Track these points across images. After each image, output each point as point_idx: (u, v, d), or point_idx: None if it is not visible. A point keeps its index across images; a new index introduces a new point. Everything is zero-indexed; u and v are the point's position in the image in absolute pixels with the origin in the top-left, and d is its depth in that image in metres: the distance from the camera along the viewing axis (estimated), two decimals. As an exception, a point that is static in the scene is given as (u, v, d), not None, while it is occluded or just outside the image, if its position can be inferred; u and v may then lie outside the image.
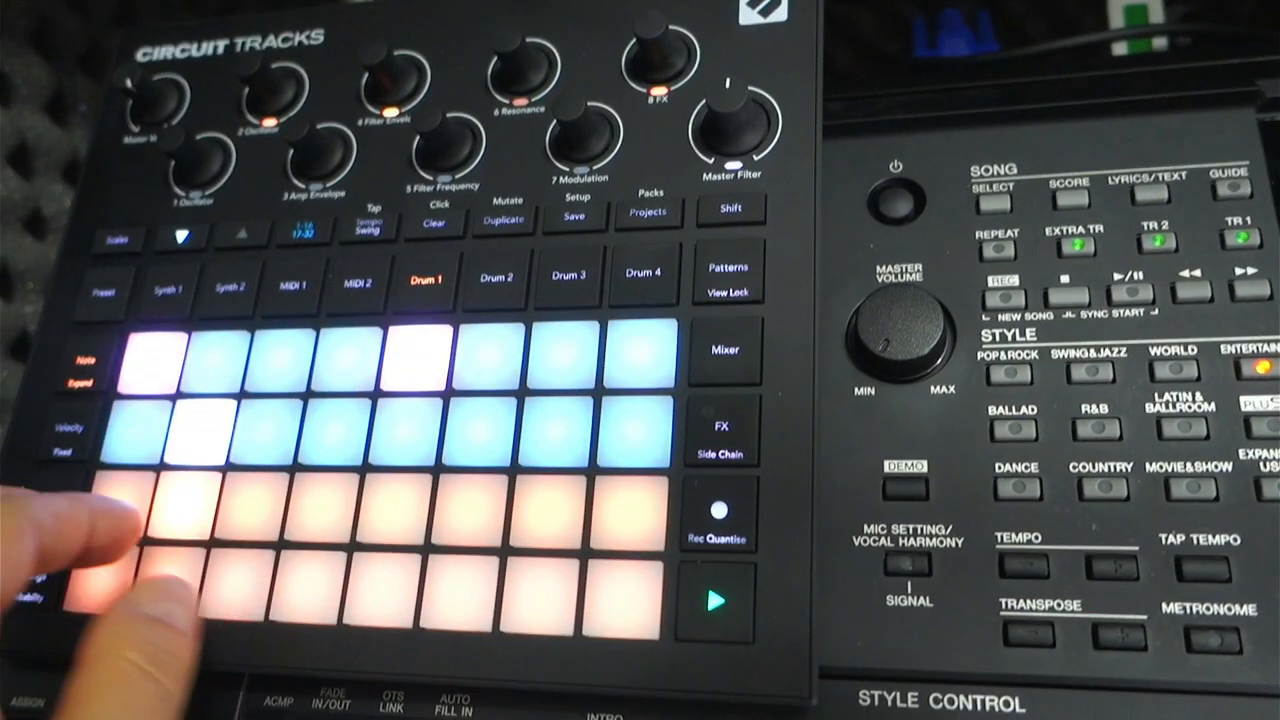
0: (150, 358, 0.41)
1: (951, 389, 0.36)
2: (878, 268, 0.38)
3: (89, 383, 0.41)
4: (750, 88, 0.39)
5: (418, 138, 0.41)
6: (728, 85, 0.38)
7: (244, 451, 0.38)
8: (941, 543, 0.34)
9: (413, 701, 0.35)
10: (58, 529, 0.32)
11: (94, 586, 0.38)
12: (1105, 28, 0.50)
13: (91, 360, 0.41)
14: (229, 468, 0.38)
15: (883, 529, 0.35)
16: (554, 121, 0.40)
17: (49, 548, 0.32)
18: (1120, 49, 0.50)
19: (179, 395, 0.40)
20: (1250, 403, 0.34)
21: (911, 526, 0.34)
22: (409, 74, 0.43)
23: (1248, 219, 0.36)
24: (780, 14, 0.40)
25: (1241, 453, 0.33)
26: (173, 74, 0.46)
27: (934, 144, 0.40)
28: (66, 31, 0.55)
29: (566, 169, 0.40)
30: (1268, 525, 0.32)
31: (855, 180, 0.40)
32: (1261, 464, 0.33)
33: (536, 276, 0.38)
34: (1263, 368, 0.34)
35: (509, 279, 0.38)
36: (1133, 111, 0.39)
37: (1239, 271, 0.35)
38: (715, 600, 0.33)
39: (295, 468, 0.38)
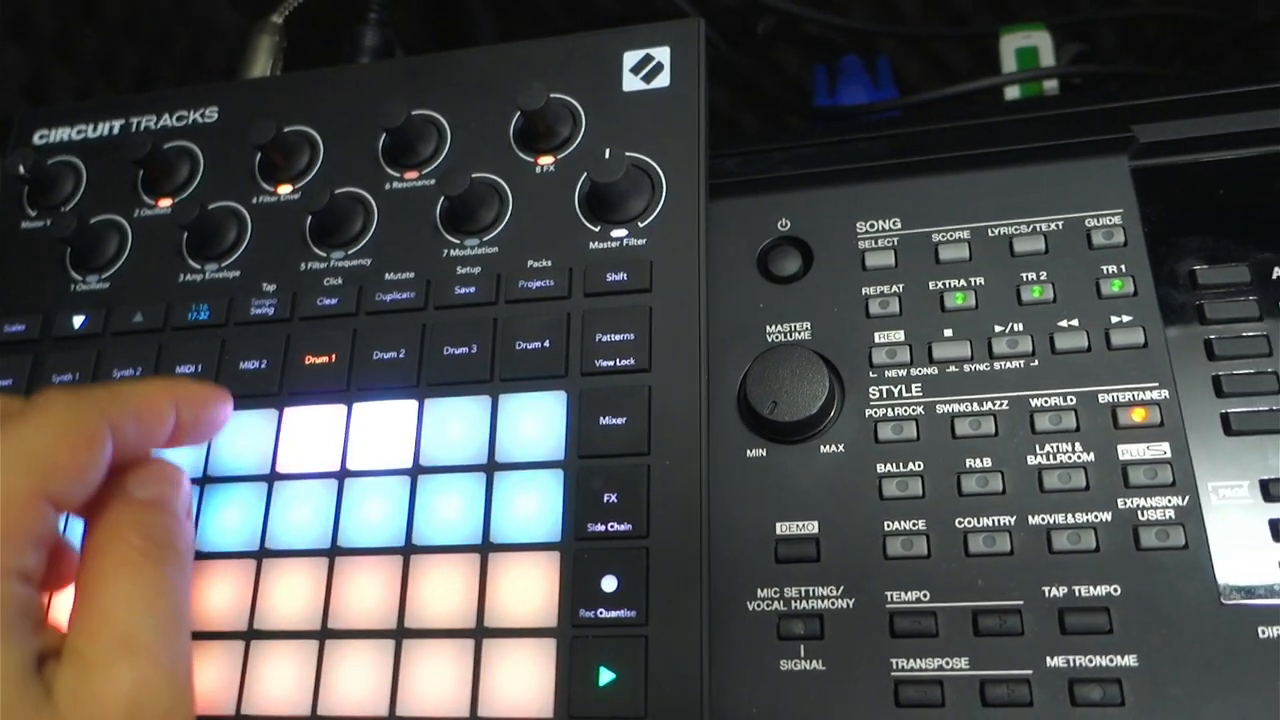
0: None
1: (841, 448, 0.36)
2: (768, 327, 0.39)
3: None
4: (634, 154, 0.39)
5: (309, 215, 0.41)
6: (607, 155, 0.38)
7: (141, 540, 0.38)
8: (834, 604, 0.34)
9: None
10: (139, 427, 0.31)
11: None
12: (998, 71, 0.51)
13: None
14: (126, 558, 0.38)
15: (776, 592, 0.35)
16: (427, 201, 0.40)
17: (130, 444, 0.31)
18: (1014, 92, 0.51)
19: (75, 485, 0.40)
20: (1127, 451, 0.34)
21: (804, 589, 0.35)
22: (301, 150, 0.43)
23: (1122, 267, 0.37)
24: (663, 80, 0.41)
25: (1120, 502, 0.34)
26: (69, 156, 0.46)
27: (820, 200, 0.41)
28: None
29: (457, 241, 0.40)
30: (1146, 574, 0.32)
31: (744, 240, 0.40)
32: (1139, 512, 0.33)
33: (428, 352, 0.38)
34: (1138, 415, 0.34)
35: (401, 355, 0.39)
36: (1011, 162, 0.40)
37: (1114, 320, 0.36)
38: (607, 676, 0.33)
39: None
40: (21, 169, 0.44)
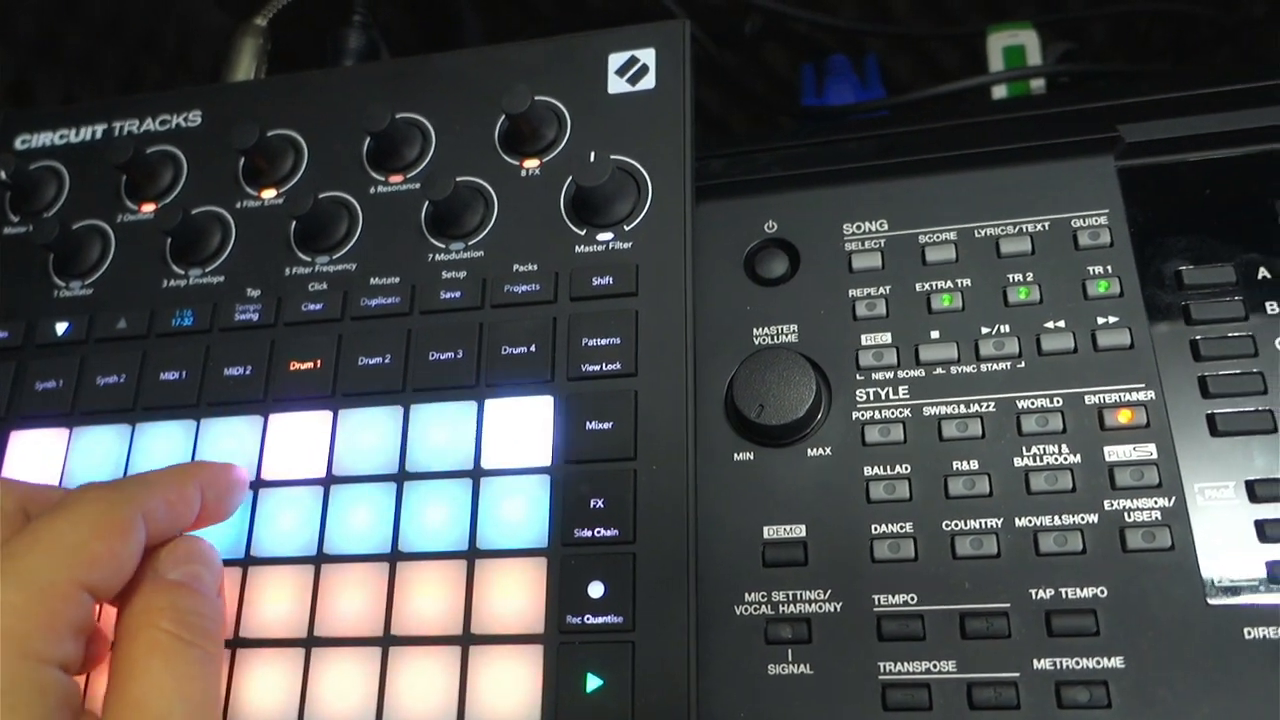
0: (32, 456, 0.40)
1: (828, 450, 0.36)
2: (755, 330, 0.39)
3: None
4: (619, 157, 0.39)
5: (293, 220, 0.41)
6: (592, 158, 0.38)
7: (126, 548, 0.38)
8: (821, 608, 0.34)
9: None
10: (169, 512, 0.32)
11: None
12: (984, 70, 0.51)
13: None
14: (111, 566, 0.38)
15: (763, 596, 0.35)
16: (412, 206, 0.40)
17: (161, 529, 0.32)
18: (1001, 91, 0.50)
19: (60, 493, 0.39)
20: (1114, 453, 0.34)
21: (791, 593, 0.35)
22: (285, 154, 0.43)
23: (1108, 268, 0.37)
24: (648, 82, 0.40)
25: (1106, 503, 0.33)
26: (51, 160, 0.46)
27: (807, 202, 0.40)
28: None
29: (442, 245, 0.40)
30: (1133, 576, 0.32)
31: (731, 242, 0.40)
32: (1126, 514, 0.33)
33: (413, 357, 0.38)
34: (1124, 417, 0.34)
35: (386, 361, 0.38)
36: (998, 162, 0.40)
37: (1100, 321, 0.36)
38: (594, 682, 0.33)
39: (177, 563, 0.37)
40: (2, 174, 0.44)
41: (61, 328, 0.42)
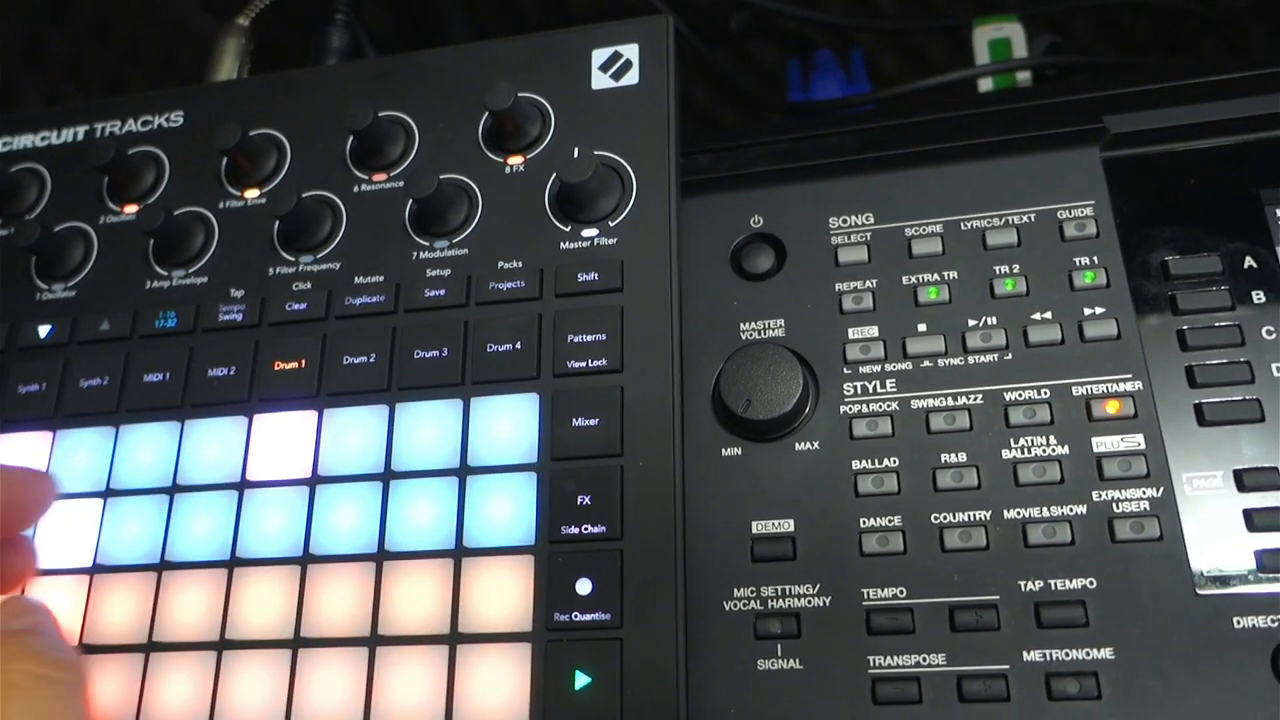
0: (15, 460, 0.40)
1: (816, 444, 0.36)
2: (741, 325, 0.39)
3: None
4: (604, 153, 0.39)
5: (277, 220, 0.41)
6: (576, 154, 0.38)
7: (112, 551, 0.38)
8: (810, 602, 0.34)
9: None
10: None
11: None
12: (970, 63, 0.51)
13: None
14: (96, 569, 0.38)
15: (752, 591, 0.35)
16: (397, 204, 0.40)
17: None
18: (987, 84, 0.50)
19: (44, 497, 0.39)
20: (1101, 443, 0.34)
21: (780, 587, 0.34)
22: (268, 154, 0.43)
23: (1095, 259, 0.37)
24: (632, 77, 0.40)
25: (1095, 494, 0.33)
26: (32, 163, 0.46)
27: (793, 196, 0.40)
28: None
29: (426, 243, 0.40)
30: (1121, 567, 0.32)
31: (717, 237, 0.40)
32: (1114, 505, 0.33)
33: (399, 356, 0.38)
34: (1112, 407, 0.34)
35: (371, 360, 0.38)
36: (983, 155, 0.40)
37: (1087, 312, 0.36)
38: (582, 679, 0.32)
39: (163, 566, 0.37)
40: (-15, 175, 0.43)
41: (44, 330, 0.42)
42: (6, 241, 0.44)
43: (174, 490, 0.38)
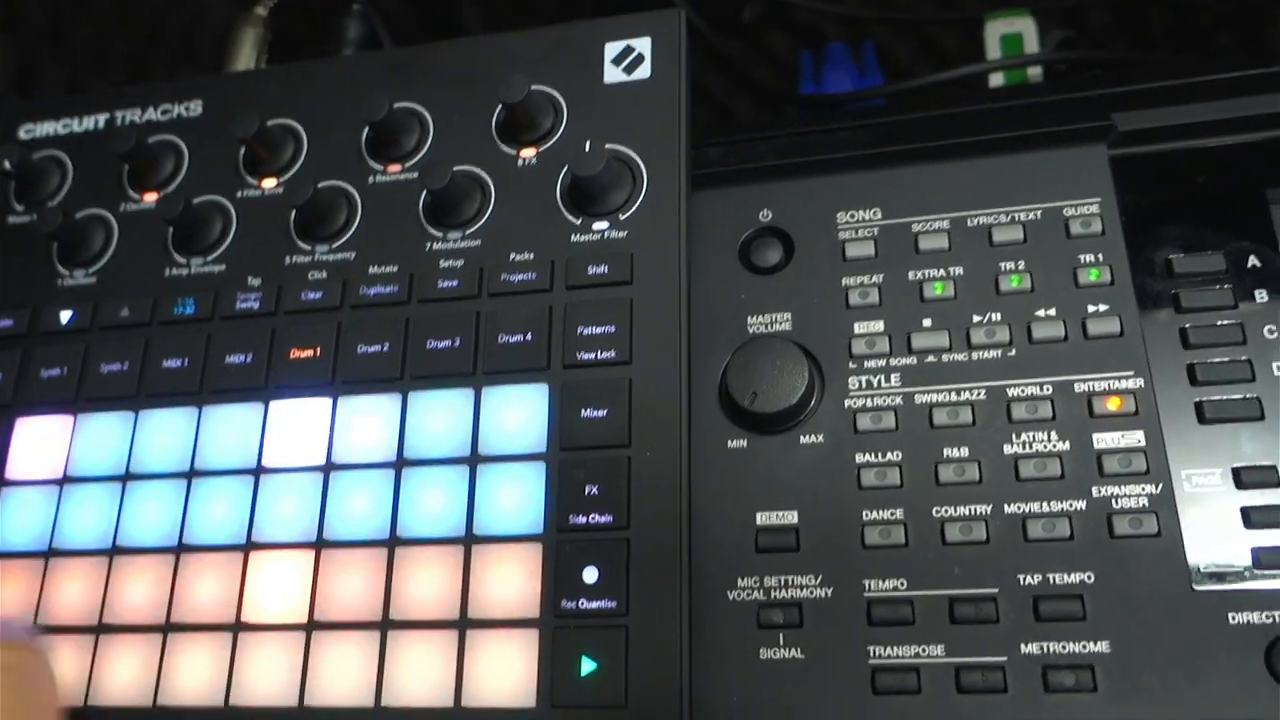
0: (37, 442, 0.41)
1: (820, 438, 0.37)
2: (749, 318, 0.39)
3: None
4: (615, 146, 0.39)
5: (293, 209, 0.41)
6: (588, 147, 0.38)
7: (130, 534, 0.39)
8: (812, 593, 0.35)
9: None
10: None
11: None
12: (982, 58, 0.51)
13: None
14: (115, 551, 0.39)
15: (756, 581, 0.35)
16: (409, 195, 0.41)
17: None
18: (998, 79, 0.50)
19: (65, 480, 0.40)
20: (1102, 440, 0.34)
21: (783, 578, 0.35)
22: (285, 144, 0.43)
23: (1099, 256, 0.37)
24: (644, 71, 0.41)
25: (1094, 490, 0.34)
26: (55, 150, 0.47)
27: (802, 191, 0.41)
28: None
29: (440, 234, 0.40)
30: (1120, 562, 0.33)
31: (727, 230, 0.41)
32: (1113, 501, 0.34)
33: (412, 346, 0.39)
34: (1113, 404, 0.35)
35: (385, 349, 0.39)
36: (991, 151, 0.40)
37: (1091, 309, 0.36)
38: (588, 666, 0.33)
39: (180, 549, 0.38)
40: (6, 164, 0.44)
41: (65, 316, 0.43)
42: (30, 228, 0.45)
43: (191, 475, 0.39)
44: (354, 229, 0.41)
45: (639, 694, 0.33)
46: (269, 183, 0.43)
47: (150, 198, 0.44)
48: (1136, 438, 0.34)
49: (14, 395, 0.42)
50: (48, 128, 0.47)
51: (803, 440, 0.37)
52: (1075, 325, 0.36)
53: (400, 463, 0.37)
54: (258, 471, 0.38)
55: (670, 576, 0.34)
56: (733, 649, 0.34)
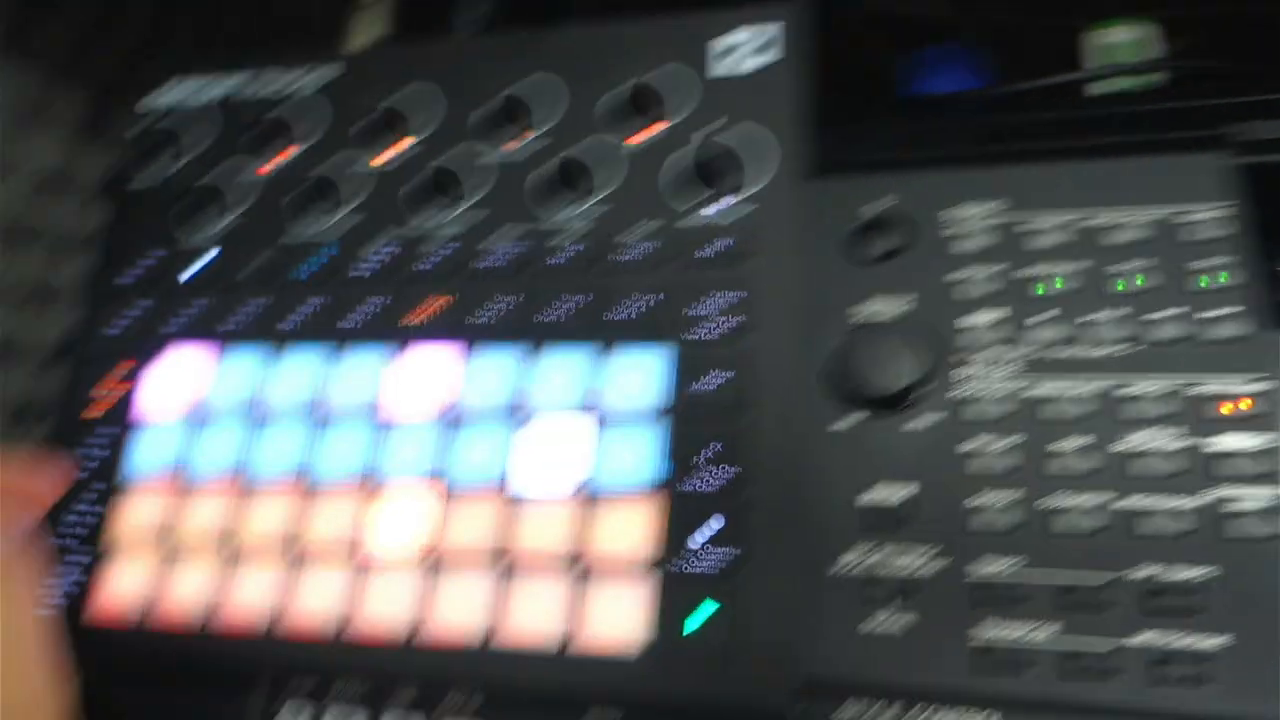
0: (178, 375, 0.44)
1: (930, 422, 0.37)
2: (856, 307, 0.40)
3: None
4: (726, 134, 0.41)
5: (410, 180, 0.44)
6: (702, 133, 0.40)
7: (260, 467, 0.41)
8: (917, 572, 0.35)
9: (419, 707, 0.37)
10: None
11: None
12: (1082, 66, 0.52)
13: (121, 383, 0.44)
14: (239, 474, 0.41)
15: (861, 556, 0.36)
16: (541, 165, 0.43)
17: None
18: (1109, 87, 0.51)
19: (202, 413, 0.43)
20: (1221, 442, 0.35)
21: (889, 554, 0.36)
22: (408, 119, 0.45)
23: (1219, 261, 0.37)
24: (765, 59, 0.42)
25: (1209, 491, 0.34)
26: (184, 116, 0.49)
27: (913, 183, 0.42)
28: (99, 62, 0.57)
29: (556, 209, 0.42)
30: (1234, 560, 0.33)
31: (834, 221, 0.41)
32: (1233, 501, 0.34)
33: (536, 306, 0.41)
34: (1228, 409, 0.35)
35: (511, 307, 0.41)
36: (1110, 153, 0.40)
37: (1212, 312, 0.37)
38: (696, 619, 0.34)
39: (302, 480, 0.40)
40: (135, 129, 0.47)
41: (190, 273, 0.45)
42: (154, 192, 0.48)
43: (319, 414, 0.41)
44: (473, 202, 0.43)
45: (748, 645, 0.34)
46: (396, 151, 0.45)
47: (273, 165, 0.47)
48: (1260, 440, 0.34)
49: (162, 323, 0.45)
50: (175, 95, 0.50)
51: (914, 423, 0.38)
52: (1192, 328, 0.36)
53: (522, 414, 0.39)
54: (381, 419, 0.40)
55: (782, 539, 0.35)
56: (834, 621, 0.35)
